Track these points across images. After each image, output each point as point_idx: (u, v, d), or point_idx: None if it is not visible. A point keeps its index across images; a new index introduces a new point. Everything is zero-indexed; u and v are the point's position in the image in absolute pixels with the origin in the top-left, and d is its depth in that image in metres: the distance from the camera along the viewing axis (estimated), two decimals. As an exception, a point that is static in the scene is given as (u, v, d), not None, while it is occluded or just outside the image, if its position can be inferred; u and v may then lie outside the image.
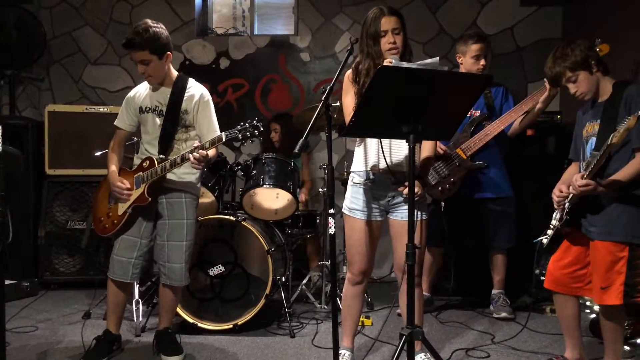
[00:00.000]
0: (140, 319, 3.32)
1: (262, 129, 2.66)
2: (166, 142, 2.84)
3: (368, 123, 2.21)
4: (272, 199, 3.65)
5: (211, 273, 3.34)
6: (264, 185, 3.51)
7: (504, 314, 3.56)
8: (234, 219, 3.33)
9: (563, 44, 2.50)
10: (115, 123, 2.97)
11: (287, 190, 3.54)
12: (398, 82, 2.06)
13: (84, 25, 5.18)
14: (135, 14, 5.11)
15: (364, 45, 2.56)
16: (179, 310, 3.25)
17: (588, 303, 3.42)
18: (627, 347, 2.84)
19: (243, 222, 3.32)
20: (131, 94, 2.95)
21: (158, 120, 2.85)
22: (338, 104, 2.81)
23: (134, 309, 3.34)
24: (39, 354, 2.95)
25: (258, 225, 3.49)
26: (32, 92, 5.19)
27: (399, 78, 2.07)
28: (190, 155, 2.65)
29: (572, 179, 2.39)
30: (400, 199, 2.58)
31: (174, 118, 2.83)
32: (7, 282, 3.72)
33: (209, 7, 5.43)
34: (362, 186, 2.60)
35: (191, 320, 3.28)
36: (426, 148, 2.65)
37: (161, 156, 2.81)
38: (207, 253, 3.35)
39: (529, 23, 4.89)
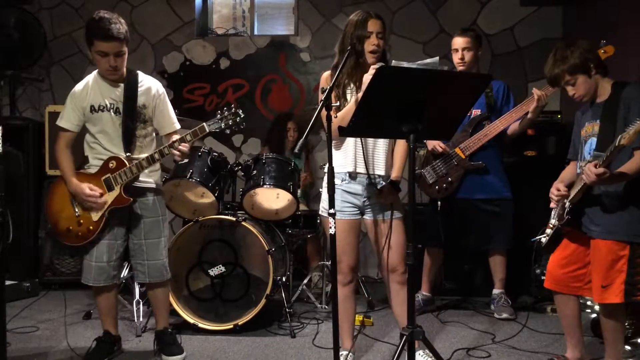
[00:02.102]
0: (141, 319, 3.33)
1: (242, 115, 2.67)
2: (129, 140, 2.78)
3: (368, 123, 2.21)
4: (272, 199, 3.65)
5: (212, 273, 3.34)
6: (265, 186, 3.51)
7: (505, 315, 3.55)
8: (234, 219, 3.33)
9: (562, 46, 2.49)
10: (60, 124, 2.78)
11: (288, 190, 3.54)
12: (398, 82, 2.06)
13: (84, 26, 5.16)
14: (136, 14, 5.11)
15: (347, 44, 2.59)
16: (179, 310, 3.26)
17: (589, 303, 3.42)
18: (627, 347, 2.84)
19: (243, 223, 3.32)
20: (77, 90, 2.78)
21: (117, 118, 2.78)
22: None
23: (135, 309, 3.34)
24: (39, 354, 2.96)
25: (258, 226, 3.49)
26: (32, 93, 5.20)
27: (398, 78, 2.07)
28: (173, 150, 2.66)
29: (585, 169, 2.34)
30: (373, 200, 2.65)
31: (132, 114, 2.77)
32: (7, 282, 3.72)
33: (209, 7, 5.43)
34: (337, 187, 2.63)
35: (192, 321, 3.28)
36: (396, 168, 2.69)
37: (127, 154, 2.76)
38: (207, 253, 3.36)
39: (529, 23, 4.88)
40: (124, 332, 3.18)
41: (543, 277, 2.72)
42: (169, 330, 2.97)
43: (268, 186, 3.51)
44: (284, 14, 5.40)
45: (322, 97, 2.38)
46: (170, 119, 2.89)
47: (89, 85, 2.80)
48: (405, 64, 2.29)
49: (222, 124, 2.66)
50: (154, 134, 2.92)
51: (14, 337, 3.16)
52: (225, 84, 5.12)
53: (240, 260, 3.36)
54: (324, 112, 2.31)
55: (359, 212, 2.68)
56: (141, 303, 3.38)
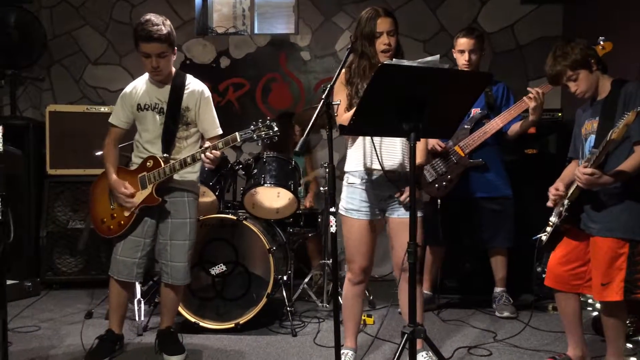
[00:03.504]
0: (142, 318, 3.33)
1: (276, 128, 2.67)
2: (169, 141, 2.82)
3: (368, 121, 2.21)
4: (273, 198, 3.65)
5: (213, 272, 3.34)
6: (265, 184, 3.51)
7: (506, 313, 3.56)
8: (235, 218, 3.33)
9: (563, 43, 2.50)
10: (110, 120, 2.91)
11: (289, 189, 3.54)
12: (399, 80, 2.06)
13: (84, 25, 5.18)
14: (136, 13, 5.10)
15: (359, 45, 2.56)
16: (180, 309, 3.25)
17: (590, 301, 3.42)
18: (629, 345, 2.84)
19: (244, 221, 3.33)
20: (127, 90, 2.89)
21: (159, 118, 2.83)
22: (339, 102, 2.81)
23: (136, 308, 3.34)
24: (41, 353, 2.96)
25: (259, 224, 3.49)
26: (32, 92, 5.19)
27: (399, 76, 2.07)
28: (203, 156, 2.67)
29: (576, 171, 2.37)
30: (395, 197, 2.61)
31: (175, 115, 2.81)
32: (9, 282, 3.72)
33: (209, 6, 5.43)
34: (357, 186, 2.61)
35: (193, 320, 3.28)
36: (417, 155, 2.65)
37: (165, 155, 2.80)
38: (208, 252, 3.36)
39: (529, 21, 4.88)
40: (125, 331, 3.17)
41: (544, 275, 2.72)
42: (171, 329, 2.97)
43: (269, 185, 3.51)
44: (284, 13, 5.40)
45: (336, 99, 2.36)
46: (212, 124, 2.89)
47: (138, 85, 2.88)
48: (405, 62, 2.30)
49: (255, 135, 2.67)
50: (197, 136, 2.92)
51: (16, 337, 3.16)
52: (225, 82, 5.12)
53: (241, 259, 3.36)
54: (342, 109, 2.26)
55: (378, 212, 2.64)
56: (142, 302, 3.38)
